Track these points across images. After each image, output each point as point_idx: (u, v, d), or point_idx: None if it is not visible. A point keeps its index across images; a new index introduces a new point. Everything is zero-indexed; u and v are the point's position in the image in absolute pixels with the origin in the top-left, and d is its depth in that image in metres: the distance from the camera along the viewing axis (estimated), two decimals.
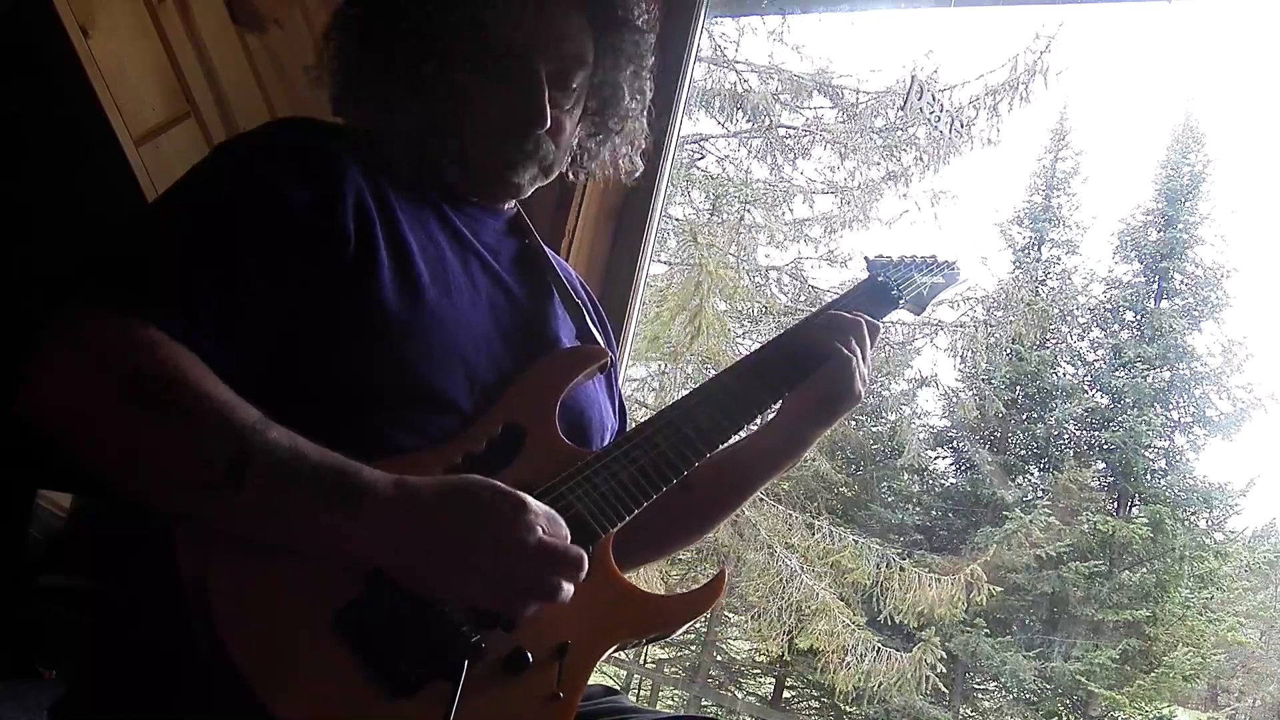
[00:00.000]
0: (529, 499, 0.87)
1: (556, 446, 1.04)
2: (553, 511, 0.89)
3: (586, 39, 1.15)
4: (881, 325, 1.26)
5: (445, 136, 1.12)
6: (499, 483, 0.87)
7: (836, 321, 1.20)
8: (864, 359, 1.20)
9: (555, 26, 1.12)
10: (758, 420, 1.19)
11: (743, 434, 1.18)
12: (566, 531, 0.89)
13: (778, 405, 1.22)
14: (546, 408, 1.06)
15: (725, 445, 1.14)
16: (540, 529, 0.86)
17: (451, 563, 0.84)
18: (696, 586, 1.06)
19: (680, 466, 1.07)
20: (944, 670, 10.86)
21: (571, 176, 1.28)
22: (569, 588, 0.87)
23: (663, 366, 10.70)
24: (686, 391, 1.16)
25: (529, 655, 0.90)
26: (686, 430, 1.09)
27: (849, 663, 10.28)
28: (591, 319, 1.25)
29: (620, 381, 1.34)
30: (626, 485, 1.03)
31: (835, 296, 1.31)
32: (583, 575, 0.87)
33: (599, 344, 1.19)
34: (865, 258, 1.35)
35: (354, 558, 0.86)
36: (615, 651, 1.01)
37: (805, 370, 1.18)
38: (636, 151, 1.28)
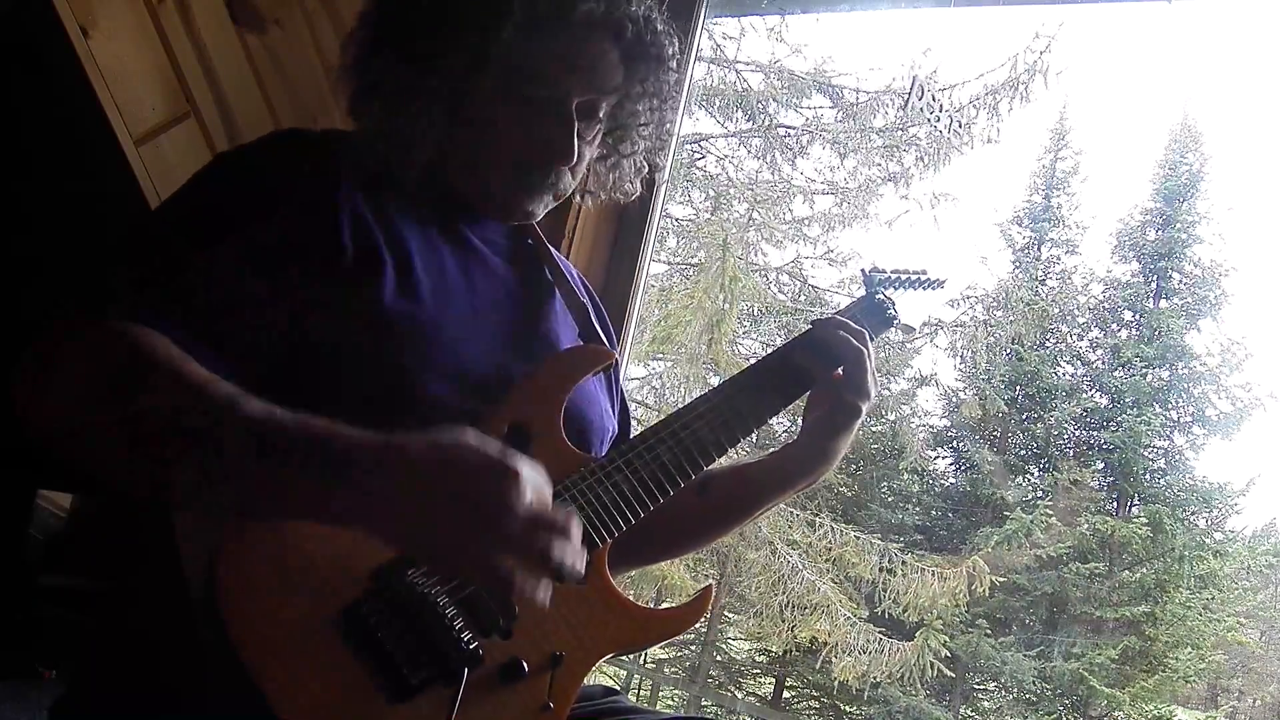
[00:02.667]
0: (516, 464, 0.81)
1: (560, 450, 1.04)
2: (536, 475, 0.83)
3: (618, 71, 1.14)
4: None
5: (466, 159, 1.12)
6: (490, 442, 0.82)
7: (836, 324, 1.19)
8: (870, 359, 1.19)
9: (593, 59, 1.11)
10: (755, 432, 1.19)
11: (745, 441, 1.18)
12: (549, 493, 0.84)
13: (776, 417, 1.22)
14: (552, 408, 1.05)
15: (724, 456, 1.14)
16: (529, 494, 0.81)
17: (433, 525, 0.80)
18: (684, 601, 1.06)
19: (679, 478, 1.07)
20: (946, 668, 10.86)
21: (577, 199, 1.28)
22: (559, 553, 0.81)
23: (662, 367, 10.69)
24: (685, 392, 1.16)
25: (524, 665, 0.91)
26: (687, 442, 1.09)
27: (852, 654, 10.29)
28: (595, 319, 1.25)
29: (621, 382, 1.34)
30: (626, 495, 1.03)
31: (836, 297, 1.30)
32: (575, 538, 0.82)
33: (603, 343, 1.19)
34: (862, 271, 1.35)
35: (339, 523, 0.82)
36: (604, 663, 1.02)
37: (805, 383, 1.18)
38: (638, 175, 1.27)
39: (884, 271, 1.34)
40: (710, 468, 1.21)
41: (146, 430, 0.84)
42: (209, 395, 0.84)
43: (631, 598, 1.05)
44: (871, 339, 1.22)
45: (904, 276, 1.35)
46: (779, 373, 1.18)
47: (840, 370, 1.18)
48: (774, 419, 1.25)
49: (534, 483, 0.82)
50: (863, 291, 1.33)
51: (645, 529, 1.08)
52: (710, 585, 1.15)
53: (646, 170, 1.28)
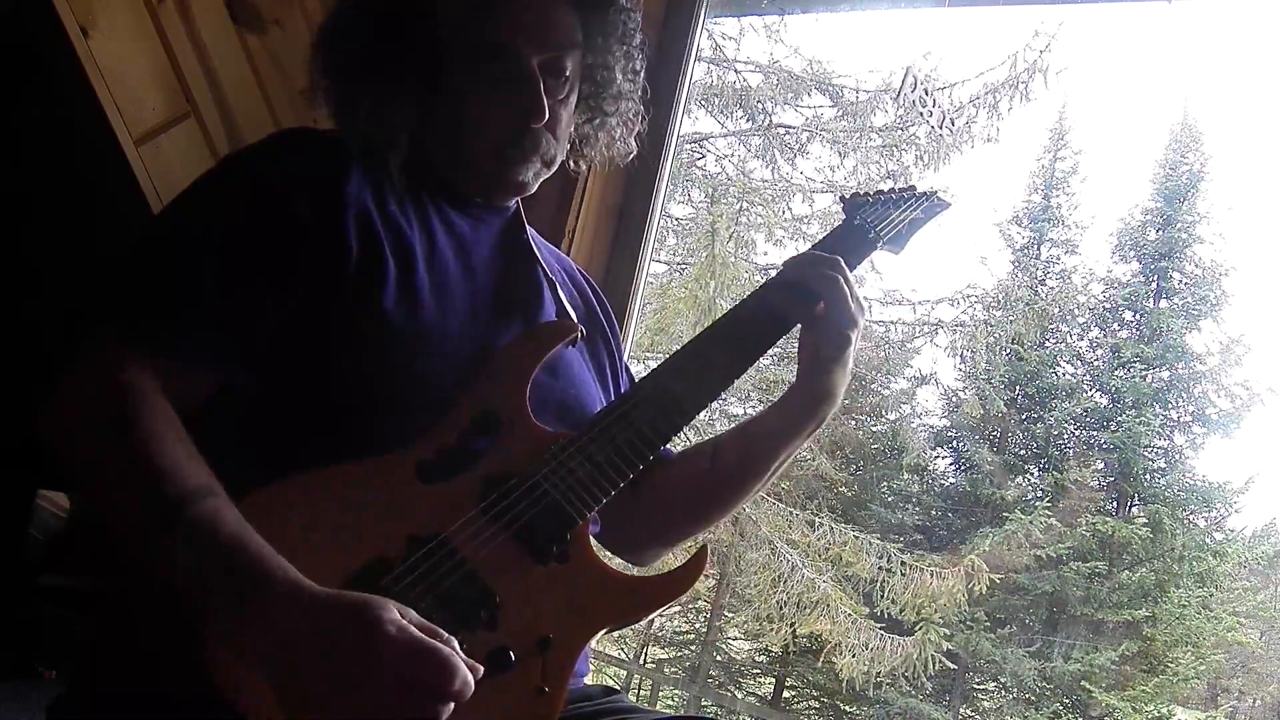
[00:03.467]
0: (393, 635, 0.77)
1: (530, 430, 1.02)
2: (429, 652, 0.78)
3: (574, 23, 1.14)
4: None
5: (445, 140, 1.12)
6: (385, 623, 0.78)
7: (807, 259, 1.15)
8: (850, 285, 1.14)
9: (542, 16, 1.11)
10: (734, 382, 1.15)
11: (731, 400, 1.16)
12: (440, 665, 0.78)
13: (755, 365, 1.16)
14: (517, 391, 1.04)
15: (703, 410, 1.11)
16: (393, 674, 0.77)
17: (308, 685, 0.78)
18: (677, 565, 1.02)
19: (656, 442, 1.04)
20: (948, 662, 10.86)
21: (572, 165, 1.26)
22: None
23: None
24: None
25: (511, 653, 0.89)
26: (662, 402, 1.05)
27: (854, 650, 10.28)
28: (591, 311, 1.25)
29: (625, 378, 1.33)
30: (602, 466, 1.00)
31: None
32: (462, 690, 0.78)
33: (570, 319, 1.17)
34: (841, 197, 1.28)
35: (235, 647, 0.82)
36: (602, 636, 0.99)
37: (783, 324, 1.13)
38: (632, 134, 1.26)
39: (865, 195, 1.28)
40: (717, 436, 1.19)
41: (112, 500, 0.90)
42: (169, 488, 0.86)
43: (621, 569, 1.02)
44: (854, 265, 1.17)
45: (888, 197, 1.29)
46: (755, 319, 1.12)
47: (821, 306, 1.13)
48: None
49: (424, 674, 0.77)
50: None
51: (667, 507, 1.06)
52: (706, 546, 1.09)
53: (640, 124, 1.27)
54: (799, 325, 1.15)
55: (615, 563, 1.10)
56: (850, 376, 1.19)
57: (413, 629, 0.78)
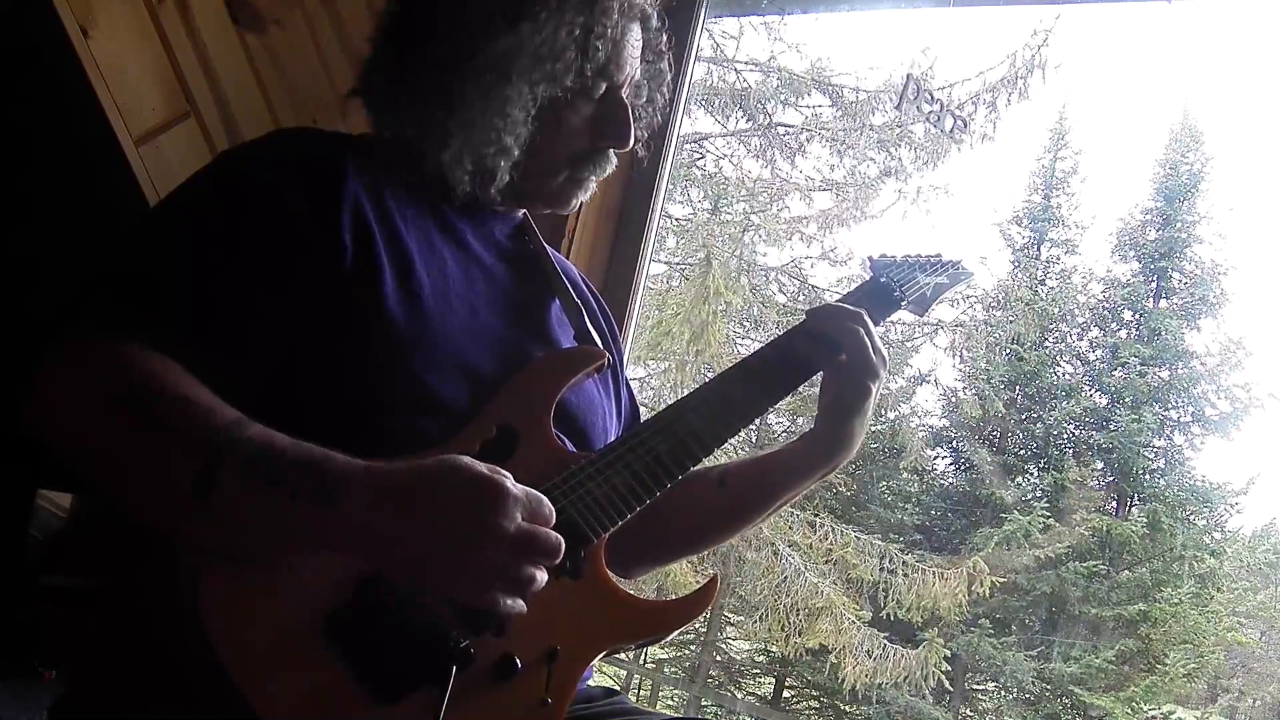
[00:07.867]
0: (507, 484, 0.84)
1: (550, 449, 1.04)
2: (536, 493, 0.87)
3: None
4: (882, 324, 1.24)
5: (529, 160, 1.11)
6: (477, 465, 0.85)
7: (831, 311, 1.19)
8: (872, 338, 1.17)
9: (634, 52, 1.15)
10: (755, 424, 1.19)
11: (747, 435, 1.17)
12: (550, 510, 0.87)
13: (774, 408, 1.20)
14: (541, 409, 1.05)
15: (721, 447, 1.13)
16: (519, 516, 0.84)
17: (424, 552, 0.82)
18: (688, 592, 1.04)
19: (675, 471, 1.06)
20: (947, 668, 10.86)
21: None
22: (543, 576, 0.85)
23: (661, 368, 10.69)
24: (681, 393, 1.15)
25: (518, 661, 0.90)
26: (682, 434, 1.08)
27: (857, 658, 10.27)
28: (595, 321, 1.25)
29: (626, 383, 1.34)
30: (620, 490, 1.02)
31: (836, 296, 1.28)
32: (557, 560, 0.86)
33: (597, 345, 1.18)
34: (868, 258, 1.32)
35: (331, 551, 0.85)
36: (606, 656, 1.01)
37: (805, 371, 1.17)
38: (641, 142, 1.28)
39: (891, 257, 1.32)
40: (728, 463, 1.21)
41: (146, 458, 0.86)
42: (210, 422, 0.86)
43: (631, 590, 1.04)
44: (877, 321, 1.20)
45: (914, 261, 1.33)
46: (778, 364, 1.16)
47: (844, 356, 1.16)
48: (772, 416, 1.24)
49: (524, 497, 0.84)
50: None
51: (665, 525, 1.08)
52: (715, 576, 1.14)
53: (646, 135, 1.29)
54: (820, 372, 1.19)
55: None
56: (869, 427, 1.23)
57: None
